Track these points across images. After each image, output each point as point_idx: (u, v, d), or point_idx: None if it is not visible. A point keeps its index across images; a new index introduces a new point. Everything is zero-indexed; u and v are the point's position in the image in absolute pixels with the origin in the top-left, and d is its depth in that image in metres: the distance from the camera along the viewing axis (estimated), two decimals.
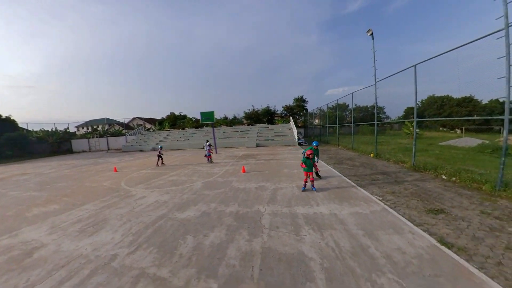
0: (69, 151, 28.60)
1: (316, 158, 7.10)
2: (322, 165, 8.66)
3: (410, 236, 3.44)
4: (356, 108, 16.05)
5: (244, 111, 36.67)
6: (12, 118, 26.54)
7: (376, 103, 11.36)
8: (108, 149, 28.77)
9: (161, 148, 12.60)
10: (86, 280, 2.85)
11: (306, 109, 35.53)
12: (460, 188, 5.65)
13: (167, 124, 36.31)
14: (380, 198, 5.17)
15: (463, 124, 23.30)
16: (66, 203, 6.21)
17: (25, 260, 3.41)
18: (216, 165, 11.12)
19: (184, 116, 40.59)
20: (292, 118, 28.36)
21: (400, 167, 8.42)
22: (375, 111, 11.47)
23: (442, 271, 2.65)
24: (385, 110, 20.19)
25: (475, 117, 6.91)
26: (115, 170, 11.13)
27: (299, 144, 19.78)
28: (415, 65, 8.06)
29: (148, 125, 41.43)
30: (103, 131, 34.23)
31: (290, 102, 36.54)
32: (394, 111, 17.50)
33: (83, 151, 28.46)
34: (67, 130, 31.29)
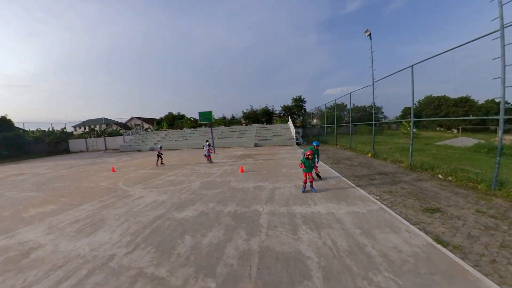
0: (66, 151, 28.40)
1: (316, 158, 6.96)
2: (320, 165, 8.69)
3: (406, 235, 3.48)
4: (354, 108, 16.12)
5: (242, 111, 36.71)
6: (8, 117, 26.32)
7: (374, 103, 11.42)
8: (106, 149, 28.62)
9: (160, 147, 12.58)
10: (84, 280, 2.85)
11: (305, 109, 35.62)
12: (456, 187, 5.71)
13: (165, 124, 36.17)
14: (377, 198, 5.21)
15: (460, 124, 23.47)
16: (63, 203, 6.18)
17: (22, 260, 3.39)
18: (214, 165, 11.12)
19: (183, 116, 40.47)
20: (291, 118, 28.40)
21: (397, 167, 8.49)
22: (373, 111, 11.53)
23: (437, 269, 2.68)
24: (383, 110, 20.32)
25: (471, 117, 6.98)
26: (113, 170, 11.08)
27: (297, 144, 19.82)
28: (412, 66, 8.12)
29: (146, 125, 41.25)
30: (101, 131, 33.98)
31: (289, 102, 36.64)
32: (392, 111, 17.66)
33: (81, 151, 28.27)
34: (64, 130, 31.01)
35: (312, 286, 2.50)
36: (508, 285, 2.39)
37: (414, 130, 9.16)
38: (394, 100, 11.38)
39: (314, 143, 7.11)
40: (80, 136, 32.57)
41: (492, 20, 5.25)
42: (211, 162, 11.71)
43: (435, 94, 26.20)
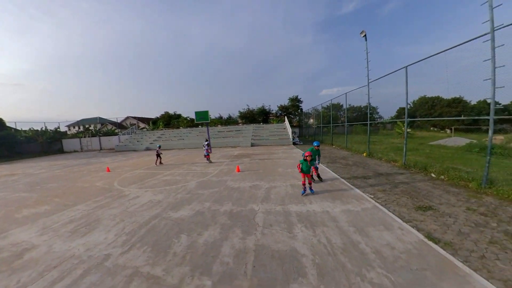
0: (60, 151, 27.96)
1: (316, 159, 6.71)
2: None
3: (399, 232, 3.55)
4: (350, 108, 16.30)
5: (239, 111, 36.78)
6: None
7: (369, 103, 11.57)
8: (101, 149, 28.28)
9: (159, 147, 12.53)
10: (79, 280, 2.84)
11: (301, 109, 35.81)
12: (448, 186, 5.83)
13: (161, 123, 35.93)
14: (372, 196, 5.30)
15: (453, 124, 23.90)
16: (57, 203, 6.11)
17: (16, 261, 3.36)
18: (211, 164, 11.12)
19: (179, 116, 40.26)
20: (287, 117, 28.53)
21: (392, 166, 8.61)
22: (368, 111, 11.67)
23: (428, 265, 2.75)
24: (378, 110, 20.59)
25: (462, 117, 7.15)
26: (108, 170, 10.98)
27: (294, 143, 19.92)
28: (406, 67, 8.25)
29: (142, 125, 40.89)
30: (96, 130, 33.54)
31: (285, 101, 36.80)
32: (387, 111, 17.86)
33: (75, 151, 27.87)
34: (58, 129, 30.48)
35: (307, 282, 2.54)
36: (495, 279, 2.47)
37: (409, 130, 9.31)
38: (389, 101, 11.53)
39: (315, 143, 6.78)
40: (74, 136, 32.11)
41: (483, 23, 5.37)
42: (210, 162, 11.72)
43: (429, 95, 26.60)
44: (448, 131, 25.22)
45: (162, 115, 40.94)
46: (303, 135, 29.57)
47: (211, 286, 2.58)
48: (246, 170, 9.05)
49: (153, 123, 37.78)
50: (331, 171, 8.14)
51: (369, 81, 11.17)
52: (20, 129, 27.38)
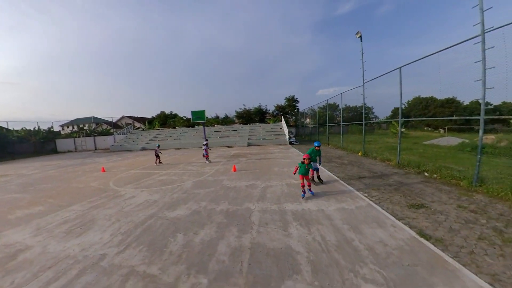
0: (54, 151, 27.55)
1: (317, 160, 6.51)
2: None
3: (392, 230, 3.63)
4: (345, 108, 16.45)
5: (235, 110, 36.78)
6: None
7: (364, 103, 11.71)
8: (96, 149, 27.96)
9: (158, 146, 12.49)
10: (74, 280, 2.83)
11: (298, 109, 36.00)
12: (440, 184, 5.96)
13: (157, 123, 35.68)
14: (366, 195, 5.38)
15: (446, 124, 24.34)
16: (51, 204, 6.05)
17: (9, 263, 3.32)
18: (207, 164, 11.12)
19: (175, 115, 40.05)
20: (284, 117, 28.63)
21: (386, 165, 8.74)
22: (363, 111, 11.81)
23: (420, 260, 2.83)
24: (373, 110, 20.81)
25: (454, 117, 7.32)
26: (103, 170, 10.88)
27: (290, 143, 20.01)
28: (400, 67, 8.38)
29: (137, 124, 40.51)
30: (90, 130, 33.14)
31: (282, 101, 36.93)
32: (382, 111, 18.07)
33: (69, 151, 27.50)
34: (51, 129, 30.03)
35: (301, 279, 2.59)
36: (483, 274, 2.55)
37: (403, 130, 9.46)
38: (384, 101, 11.70)
39: (315, 144, 6.46)
40: (68, 136, 31.66)
41: (474, 25, 5.49)
42: (210, 161, 11.71)
43: (424, 95, 27.02)
44: (442, 131, 25.67)
45: (158, 114, 40.65)
46: (299, 135, 29.73)
47: (207, 284, 2.61)
48: (242, 170, 9.08)
49: (149, 122, 37.49)
50: (326, 170, 8.22)
51: (364, 81, 11.30)
52: (12, 129, 26.85)
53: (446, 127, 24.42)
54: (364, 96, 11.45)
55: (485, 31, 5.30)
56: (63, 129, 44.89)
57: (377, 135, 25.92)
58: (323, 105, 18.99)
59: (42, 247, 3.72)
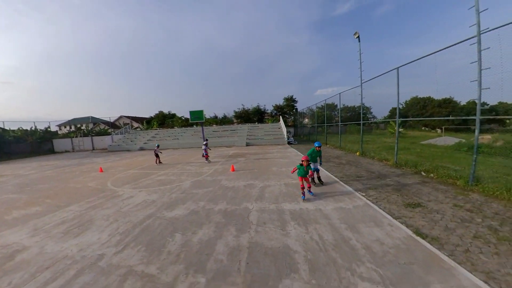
0: (51, 151, 27.34)
1: (318, 161, 6.39)
2: None
3: (389, 228, 3.66)
4: (344, 108, 16.52)
5: (234, 110, 36.73)
6: None
7: (362, 103, 11.75)
8: (93, 149, 27.81)
9: (158, 146, 12.48)
10: (72, 280, 2.83)
11: (296, 109, 36.02)
12: (437, 184, 6.01)
13: (155, 123, 35.54)
14: (363, 194, 5.42)
15: (443, 124, 24.53)
16: (48, 205, 6.02)
17: (7, 263, 3.31)
18: (206, 164, 11.12)
19: (173, 115, 39.91)
20: (282, 117, 28.68)
21: (384, 165, 8.80)
22: (361, 111, 11.86)
23: (416, 259, 2.86)
24: (371, 110, 20.91)
25: (451, 117, 7.41)
26: (101, 171, 10.84)
27: (289, 143, 20.05)
28: (397, 68, 8.44)
29: (135, 124, 40.34)
30: (88, 130, 32.91)
31: (280, 101, 36.94)
32: (380, 111, 18.14)
33: (66, 151, 27.33)
34: (48, 129, 29.81)
35: (299, 278, 2.61)
36: (478, 272, 2.59)
37: (401, 129, 9.52)
38: (383, 101, 11.73)
39: (316, 144, 6.29)
40: (65, 136, 31.42)
41: (470, 26, 5.55)
42: (209, 161, 11.70)
43: (421, 95, 27.19)
44: (439, 130, 25.86)
45: (156, 114, 40.48)
46: (298, 135, 29.78)
47: (205, 283, 2.62)
48: (241, 170, 9.09)
49: (147, 122, 37.34)
50: (324, 170, 8.25)
51: (362, 81, 11.36)
52: (8, 129, 26.64)
53: (443, 127, 24.62)
54: (362, 96, 11.50)
55: (481, 32, 5.36)
56: (60, 129, 44.54)
57: (375, 135, 26.03)
58: (322, 105, 19.05)
59: (40, 247, 3.71)
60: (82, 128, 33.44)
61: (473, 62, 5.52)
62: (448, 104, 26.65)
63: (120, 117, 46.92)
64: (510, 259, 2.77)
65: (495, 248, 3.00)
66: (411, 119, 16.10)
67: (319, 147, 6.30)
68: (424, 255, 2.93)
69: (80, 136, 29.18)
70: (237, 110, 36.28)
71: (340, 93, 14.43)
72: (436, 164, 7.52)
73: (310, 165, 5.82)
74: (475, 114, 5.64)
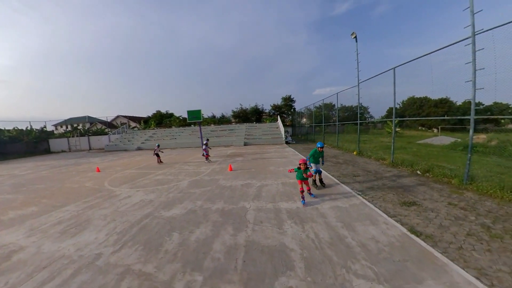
0: (47, 151, 27.11)
1: (320, 162, 6.15)
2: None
3: (384, 227, 3.72)
4: (341, 107, 16.56)
5: (232, 110, 36.72)
6: None
7: (359, 103, 11.82)
8: (90, 149, 27.63)
9: (158, 146, 12.47)
10: (70, 279, 2.83)
11: (294, 108, 36.11)
12: (432, 183, 6.08)
13: (153, 122, 35.40)
14: (359, 193, 5.47)
15: (440, 123, 24.76)
16: (45, 205, 5.99)
17: (3, 264, 3.30)
18: (203, 163, 11.11)
19: (171, 115, 39.78)
20: (280, 117, 28.72)
21: (380, 164, 8.87)
22: (358, 111, 11.94)
23: (410, 256, 2.91)
24: (369, 110, 21.01)
25: (446, 117, 7.50)
26: (98, 170, 10.79)
27: (287, 142, 20.11)
28: (394, 68, 8.51)
29: (132, 124, 40.14)
30: (84, 130, 32.71)
31: (278, 101, 37.01)
32: (378, 111, 18.26)
33: (63, 151, 27.12)
34: (44, 128, 29.55)
35: (295, 275, 2.65)
36: (471, 268, 2.64)
37: (398, 129, 9.60)
38: (380, 100, 11.80)
39: (318, 144, 6.05)
40: (61, 136, 31.17)
41: (465, 28, 5.62)
42: (209, 161, 11.69)
43: (418, 95, 27.39)
44: (435, 130, 26.10)
45: (154, 114, 40.35)
46: (296, 134, 29.86)
47: (202, 281, 2.64)
48: (238, 169, 9.11)
49: (144, 122, 37.20)
50: (321, 169, 8.30)
51: (359, 81, 11.43)
52: (3, 128, 26.37)
53: (439, 127, 24.86)
54: (359, 96, 11.56)
55: (476, 33, 5.43)
56: (56, 129, 44.18)
57: (372, 134, 26.17)
58: (319, 105, 19.13)
59: (37, 247, 3.70)
60: (79, 127, 33.19)
61: (467, 63, 5.59)
62: (444, 104, 26.87)
63: (117, 116, 46.66)
64: (502, 256, 2.83)
65: (487, 245, 3.06)
66: (408, 118, 16.22)
67: (322, 147, 6.04)
68: (418, 252, 2.98)
69: (77, 136, 28.96)
70: (235, 110, 36.32)
71: (337, 93, 14.52)
72: (432, 164, 7.60)
73: (312, 166, 5.77)
74: (470, 114, 5.71)
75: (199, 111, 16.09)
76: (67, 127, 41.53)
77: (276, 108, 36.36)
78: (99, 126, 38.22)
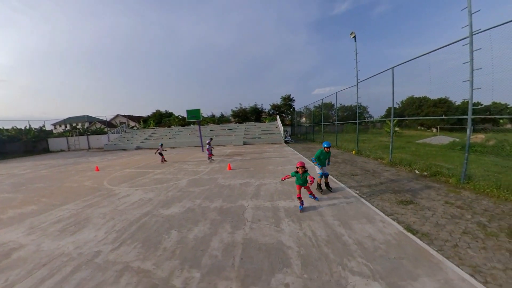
0: (46, 150, 27.09)
1: (326, 163, 5.79)
2: (305, 162, 8.93)
3: (380, 225, 3.75)
4: (340, 107, 16.60)
5: (231, 109, 36.74)
6: None
7: (358, 102, 11.86)
8: (89, 148, 27.61)
9: (161, 145, 12.48)
10: (69, 276, 2.86)
11: (293, 108, 36.15)
12: (430, 182, 6.13)
13: (152, 122, 35.40)
14: (357, 192, 5.51)
15: (439, 123, 24.83)
16: (44, 203, 6.01)
17: (3, 261, 3.32)
18: (202, 162, 11.14)
19: (170, 114, 39.77)
20: (280, 116, 28.75)
21: (379, 163, 8.91)
22: (357, 110, 11.97)
23: (405, 254, 2.95)
24: (368, 110, 21.06)
25: (444, 117, 7.55)
26: (97, 170, 10.80)
27: (286, 142, 20.15)
28: (392, 68, 8.54)
29: (132, 123, 40.11)
30: (83, 129, 32.66)
31: (278, 100, 37.06)
32: (377, 111, 18.29)
33: (62, 151, 27.09)
34: (43, 128, 29.52)
35: (291, 272, 2.68)
36: (465, 266, 2.68)
37: (397, 129, 9.64)
38: (380, 99, 11.82)
39: (324, 144, 5.64)
40: (60, 135, 31.11)
41: (462, 28, 5.65)
42: (212, 160, 11.67)
43: (417, 95, 27.44)
44: (434, 130, 26.17)
45: (153, 113, 40.34)
46: (295, 134, 29.91)
47: (199, 278, 2.67)
48: (237, 168, 9.14)
49: (143, 121, 37.19)
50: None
51: (358, 81, 11.46)
52: (2, 127, 26.32)
53: (438, 126, 24.93)
54: (358, 95, 11.60)
55: (473, 33, 5.46)
56: (55, 128, 44.13)
57: (372, 134, 26.22)
58: (319, 104, 19.15)
59: (36, 245, 3.73)
60: (78, 127, 33.17)
61: (465, 63, 5.62)
62: (443, 104, 26.94)
63: (117, 116, 46.60)
64: (497, 253, 2.87)
65: (482, 243, 3.10)
66: (407, 118, 16.27)
67: (328, 147, 5.59)
68: (414, 250, 3.02)
69: (76, 135, 28.91)
70: (234, 109, 36.35)
71: (336, 93, 14.55)
72: (430, 163, 7.65)
73: (320, 169, 5.52)
74: (467, 114, 5.75)
75: (198, 111, 16.10)
76: (66, 127, 41.51)
77: (275, 107, 36.42)
78: (98, 125, 38.21)
